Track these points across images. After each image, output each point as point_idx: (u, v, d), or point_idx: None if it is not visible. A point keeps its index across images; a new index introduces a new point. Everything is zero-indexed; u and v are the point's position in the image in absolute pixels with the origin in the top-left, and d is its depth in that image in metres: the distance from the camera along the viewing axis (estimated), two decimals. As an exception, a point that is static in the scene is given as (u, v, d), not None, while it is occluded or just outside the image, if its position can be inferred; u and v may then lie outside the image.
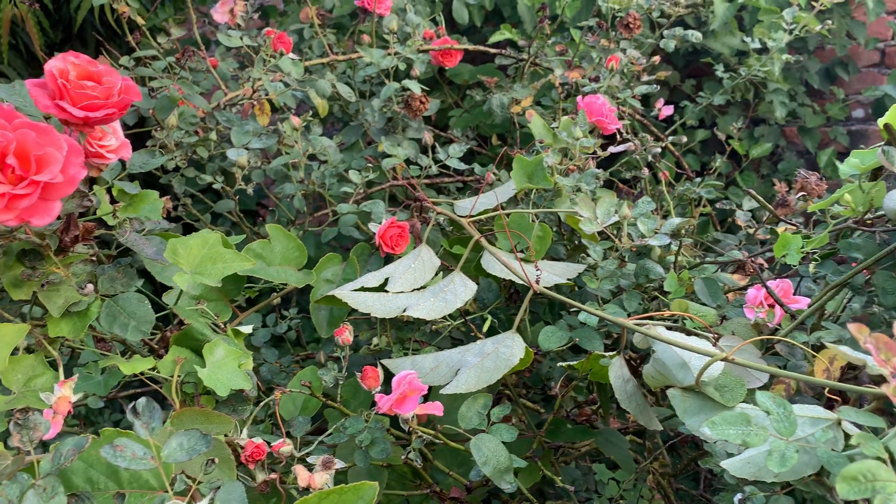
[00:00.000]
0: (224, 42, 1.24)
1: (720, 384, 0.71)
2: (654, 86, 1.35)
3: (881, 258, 0.75)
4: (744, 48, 1.82)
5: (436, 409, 0.76)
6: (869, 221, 0.81)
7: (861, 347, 0.54)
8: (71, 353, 0.96)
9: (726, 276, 0.99)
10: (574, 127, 1.07)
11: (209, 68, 1.32)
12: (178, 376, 0.77)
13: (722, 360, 0.67)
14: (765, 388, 0.77)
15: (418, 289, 0.93)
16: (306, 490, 0.72)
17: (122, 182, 0.77)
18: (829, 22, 1.57)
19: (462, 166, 1.21)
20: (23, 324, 0.72)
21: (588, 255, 0.97)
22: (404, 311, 0.88)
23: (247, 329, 0.85)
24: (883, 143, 0.73)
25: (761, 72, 1.62)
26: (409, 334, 1.03)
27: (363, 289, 0.93)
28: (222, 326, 0.85)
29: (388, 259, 1.03)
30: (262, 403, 0.84)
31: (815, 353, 0.74)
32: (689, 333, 0.81)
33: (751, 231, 1.18)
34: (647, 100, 1.76)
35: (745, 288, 0.99)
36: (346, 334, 0.85)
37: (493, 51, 1.50)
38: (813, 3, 1.59)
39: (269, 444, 0.76)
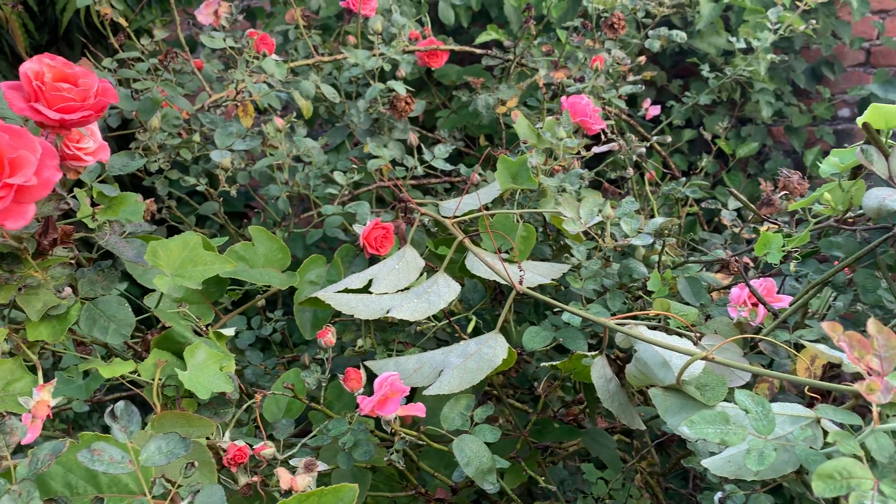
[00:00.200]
0: (207, 43, 1.23)
1: (701, 383, 0.71)
2: (640, 86, 1.35)
3: (861, 256, 0.76)
4: (730, 48, 1.82)
5: (418, 410, 0.76)
6: (850, 220, 0.82)
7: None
8: (53, 358, 0.96)
9: (710, 276, 0.99)
10: (558, 127, 1.07)
11: (194, 70, 1.32)
12: (160, 379, 0.77)
13: (702, 358, 0.67)
14: (748, 387, 0.77)
15: (402, 290, 0.93)
16: (289, 493, 0.71)
17: (101, 184, 0.76)
18: (814, 22, 1.57)
19: (448, 167, 1.21)
20: (1, 328, 0.71)
21: (572, 256, 0.97)
22: (388, 312, 0.88)
23: (229, 331, 0.85)
24: (862, 141, 0.74)
25: (747, 71, 1.63)
26: (394, 336, 1.03)
27: (347, 290, 0.93)
28: (204, 329, 0.84)
29: (373, 260, 1.03)
30: (244, 406, 0.83)
31: (796, 353, 0.75)
32: (671, 333, 0.81)
33: (736, 230, 1.19)
34: (634, 100, 1.76)
35: (728, 287, 0.99)
36: (328, 336, 0.85)
37: (479, 51, 1.50)
38: (797, 3, 1.60)
39: (251, 446, 0.76)
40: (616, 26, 1.36)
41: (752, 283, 0.85)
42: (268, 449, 0.76)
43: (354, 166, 1.23)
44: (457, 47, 1.47)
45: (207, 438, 0.76)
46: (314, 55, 1.43)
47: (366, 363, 0.87)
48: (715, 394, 0.71)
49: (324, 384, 0.87)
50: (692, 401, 0.71)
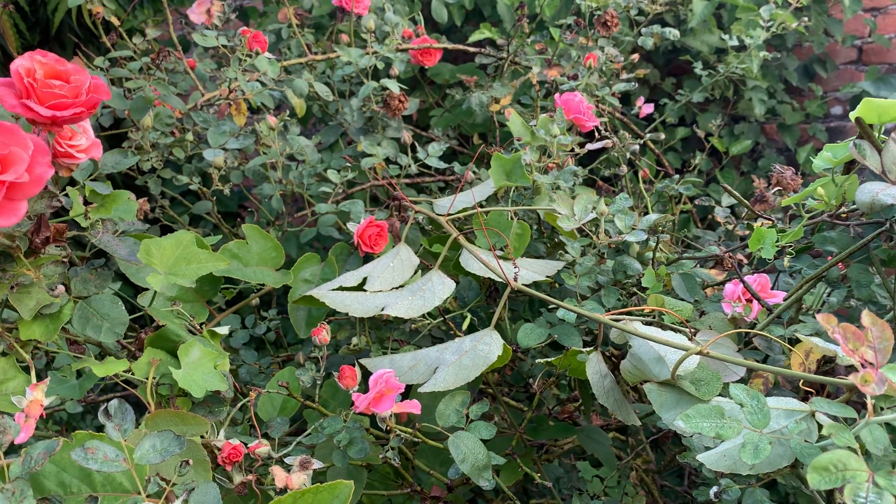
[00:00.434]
0: (199, 42, 1.23)
1: (696, 378, 0.71)
2: (633, 84, 1.35)
3: (854, 251, 0.76)
4: (723, 46, 1.83)
5: (413, 407, 0.76)
6: (843, 215, 0.82)
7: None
8: (47, 358, 0.95)
9: (704, 272, 0.99)
10: (552, 124, 1.07)
11: (186, 69, 1.31)
12: (154, 378, 0.77)
13: (697, 353, 0.67)
14: (743, 382, 0.78)
15: (397, 287, 0.93)
16: (284, 491, 0.71)
17: (94, 182, 0.76)
18: (806, 19, 1.58)
19: (442, 165, 1.21)
20: (-7, 327, 0.71)
21: (567, 252, 0.97)
22: (382, 309, 0.88)
23: (223, 330, 0.85)
24: (855, 137, 0.74)
25: (740, 69, 1.63)
26: (389, 333, 1.03)
27: (342, 288, 0.93)
28: (198, 328, 0.84)
29: (368, 258, 1.03)
30: (239, 405, 0.83)
31: (791, 347, 0.75)
32: (665, 328, 0.81)
33: (730, 227, 1.19)
34: (627, 98, 1.77)
35: (723, 283, 1.00)
36: (323, 334, 0.85)
37: (472, 50, 1.50)
38: (790, 1, 1.60)
39: (246, 445, 0.75)
40: (609, 24, 1.36)
41: (746, 278, 0.85)
42: (263, 447, 0.76)
43: (348, 165, 1.23)
44: (450, 46, 1.47)
45: (202, 437, 0.75)
46: (307, 54, 1.43)
47: (361, 361, 0.87)
48: (710, 388, 0.71)
49: (319, 382, 0.86)
50: (687, 396, 0.71)
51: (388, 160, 1.29)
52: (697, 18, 1.77)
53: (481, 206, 1.03)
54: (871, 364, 0.51)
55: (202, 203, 1.24)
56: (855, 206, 0.79)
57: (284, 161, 1.21)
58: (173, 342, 0.81)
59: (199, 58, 1.43)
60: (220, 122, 1.20)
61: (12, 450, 0.62)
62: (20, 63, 0.63)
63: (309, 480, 0.72)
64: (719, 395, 0.71)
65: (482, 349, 0.82)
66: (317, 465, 0.73)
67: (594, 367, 0.81)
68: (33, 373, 0.72)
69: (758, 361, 0.82)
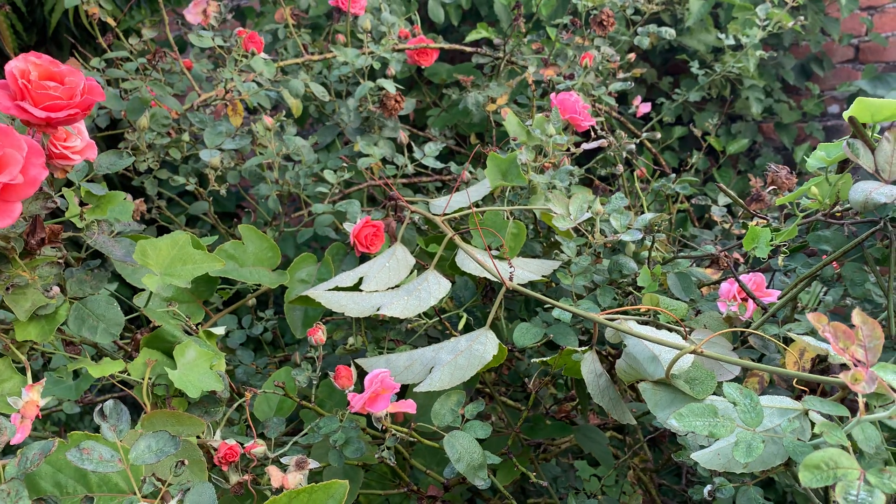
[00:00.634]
0: (195, 42, 1.23)
1: (690, 377, 0.72)
2: (630, 83, 1.36)
3: (848, 250, 0.76)
4: (719, 45, 1.83)
5: (408, 406, 0.76)
6: (838, 214, 0.82)
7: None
8: (43, 359, 0.95)
9: (699, 271, 0.99)
10: (547, 124, 1.07)
11: (183, 69, 1.31)
12: (149, 379, 0.77)
13: (691, 352, 0.67)
14: (738, 381, 0.78)
15: (393, 287, 0.93)
16: (280, 490, 0.71)
17: (89, 183, 0.76)
18: (803, 18, 1.58)
19: (439, 165, 1.21)
20: (-11, 328, 0.71)
21: (562, 252, 0.97)
22: (378, 309, 0.88)
23: (219, 330, 0.85)
24: (849, 135, 0.74)
25: (737, 68, 1.64)
26: (385, 333, 1.03)
27: (338, 288, 0.93)
28: (194, 328, 0.84)
29: (364, 258, 1.03)
30: (235, 405, 0.83)
31: (785, 346, 0.75)
32: (660, 328, 0.81)
33: (726, 226, 1.19)
34: (624, 97, 1.77)
35: (718, 282, 1.00)
36: (318, 334, 0.85)
37: (469, 49, 1.50)
38: (786, 0, 1.60)
39: (242, 445, 0.76)
40: (605, 23, 1.36)
41: (741, 277, 0.86)
42: (259, 447, 0.76)
43: (345, 165, 1.23)
44: (447, 45, 1.47)
45: (198, 437, 0.76)
46: (304, 54, 1.43)
47: (357, 361, 0.87)
48: (704, 387, 0.71)
49: (315, 382, 0.87)
50: (682, 395, 0.72)
51: (384, 160, 1.29)
52: (694, 18, 1.77)
53: (477, 206, 1.03)
54: (861, 362, 0.51)
55: (199, 203, 1.24)
56: (849, 205, 0.79)
57: (281, 161, 1.21)
58: (169, 343, 0.81)
59: (195, 58, 1.43)
60: (216, 122, 1.20)
61: (9, 450, 0.63)
62: (15, 65, 0.63)
63: (305, 480, 0.73)
64: (714, 393, 0.71)
65: (477, 349, 0.82)
66: (313, 464, 0.74)
67: (589, 366, 0.81)
68: (29, 374, 0.72)
69: (753, 360, 0.82)
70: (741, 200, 0.99)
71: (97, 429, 0.67)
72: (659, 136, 1.42)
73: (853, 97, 2.07)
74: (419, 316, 1.02)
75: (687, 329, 0.81)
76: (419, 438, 0.82)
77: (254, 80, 1.23)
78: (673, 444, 1.17)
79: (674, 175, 1.26)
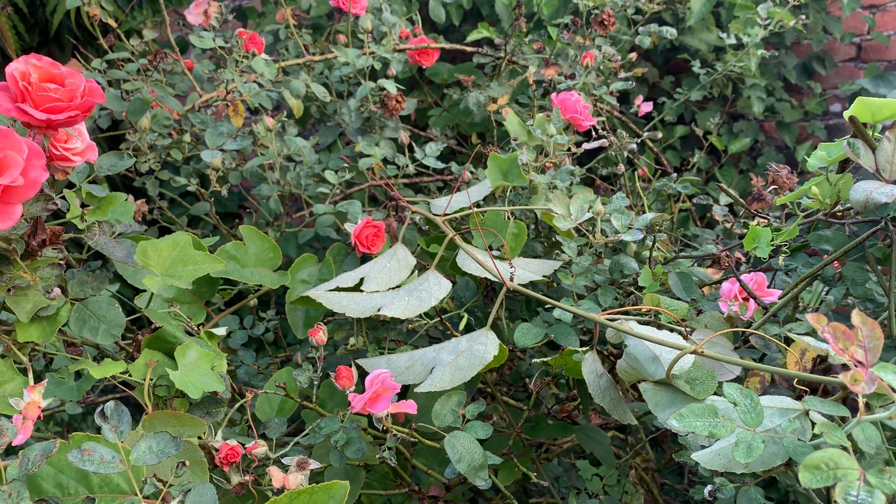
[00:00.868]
0: (196, 43, 1.23)
1: (691, 377, 0.72)
2: (631, 82, 1.36)
3: (849, 250, 0.76)
4: (721, 44, 1.83)
5: (409, 407, 0.76)
6: (838, 213, 0.82)
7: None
8: (45, 360, 0.96)
9: (700, 271, 0.99)
10: (548, 124, 1.07)
11: (184, 70, 1.31)
12: (151, 379, 0.77)
13: (692, 353, 0.67)
14: (740, 381, 0.78)
15: (394, 288, 0.93)
16: (281, 491, 0.72)
17: (90, 185, 0.76)
18: (805, 17, 1.58)
19: (440, 165, 1.21)
20: (-9, 329, 0.71)
21: (563, 252, 0.97)
22: (379, 310, 0.88)
23: (220, 331, 0.85)
24: (849, 135, 0.74)
25: (738, 67, 1.64)
26: (386, 334, 1.03)
27: (339, 289, 0.93)
28: (196, 329, 0.84)
29: (365, 259, 1.03)
30: (236, 405, 0.83)
31: (786, 346, 0.75)
32: (661, 328, 0.81)
33: (728, 226, 1.19)
34: (626, 97, 1.77)
35: (719, 282, 1.00)
36: (319, 335, 0.85)
37: (470, 49, 1.50)
38: (787, -1, 1.60)
39: (243, 445, 0.76)
40: (606, 23, 1.36)
41: (742, 277, 0.86)
42: (260, 448, 0.76)
43: (346, 165, 1.23)
44: (448, 45, 1.47)
45: (199, 438, 0.76)
46: (305, 54, 1.43)
47: (357, 361, 0.87)
48: (705, 388, 0.71)
49: (316, 383, 0.87)
50: (682, 395, 0.71)
51: (385, 160, 1.29)
52: (695, 17, 1.77)
53: (478, 206, 1.03)
54: (861, 363, 0.51)
55: (200, 204, 1.25)
56: (850, 205, 0.79)
57: (282, 162, 1.21)
58: (171, 343, 0.81)
59: (196, 59, 1.43)
60: (217, 123, 1.20)
61: (10, 451, 0.63)
62: (15, 67, 0.64)
63: (306, 481, 0.73)
64: (715, 393, 0.71)
65: (478, 349, 0.82)
66: (314, 465, 0.74)
67: (590, 366, 0.81)
68: (31, 375, 0.72)
69: (754, 360, 0.82)
70: (742, 200, 0.98)
71: (100, 429, 0.67)
72: (660, 135, 1.42)
73: (855, 96, 2.06)
74: (420, 316, 1.02)
75: (688, 329, 0.81)
76: (420, 439, 0.82)
77: (255, 81, 1.23)
78: (675, 444, 1.17)
79: (675, 174, 1.26)
